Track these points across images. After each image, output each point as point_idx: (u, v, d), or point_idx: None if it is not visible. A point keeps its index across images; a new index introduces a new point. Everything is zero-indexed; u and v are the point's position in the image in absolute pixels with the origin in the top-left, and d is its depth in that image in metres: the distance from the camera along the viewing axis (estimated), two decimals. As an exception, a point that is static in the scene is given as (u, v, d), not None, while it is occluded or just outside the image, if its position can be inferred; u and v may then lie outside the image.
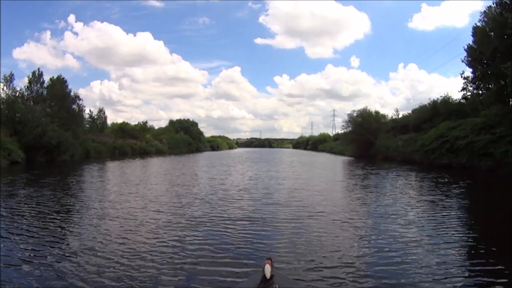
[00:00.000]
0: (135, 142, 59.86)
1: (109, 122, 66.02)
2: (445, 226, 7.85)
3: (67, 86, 41.96)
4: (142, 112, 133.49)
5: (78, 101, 41.92)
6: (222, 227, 7.74)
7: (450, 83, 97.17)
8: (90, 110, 62.73)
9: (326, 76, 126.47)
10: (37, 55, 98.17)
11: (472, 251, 6.25)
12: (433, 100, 35.86)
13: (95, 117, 62.38)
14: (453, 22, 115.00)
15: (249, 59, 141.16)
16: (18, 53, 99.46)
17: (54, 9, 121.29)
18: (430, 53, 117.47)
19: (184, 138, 75.54)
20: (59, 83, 41.04)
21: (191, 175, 20.68)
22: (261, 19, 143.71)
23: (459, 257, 5.87)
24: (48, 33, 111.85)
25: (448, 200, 11.46)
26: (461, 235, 7.24)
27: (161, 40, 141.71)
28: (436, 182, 16.70)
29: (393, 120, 45.75)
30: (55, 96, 39.35)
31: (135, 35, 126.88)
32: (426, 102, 37.54)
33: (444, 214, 9.25)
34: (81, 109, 42.66)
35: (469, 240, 6.94)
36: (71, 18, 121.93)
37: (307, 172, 24.10)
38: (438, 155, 25.88)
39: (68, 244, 6.38)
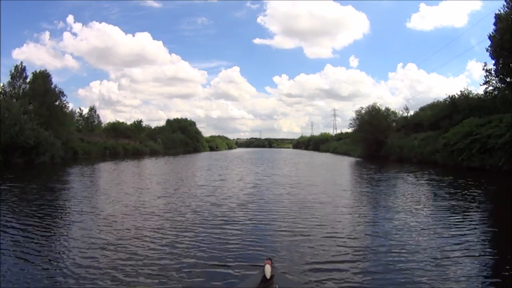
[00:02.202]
0: (128, 142, 56.46)
1: (109, 122, 63.14)
2: None
3: (50, 81, 38.53)
4: (142, 112, 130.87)
5: (61, 98, 38.36)
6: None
7: (450, 83, 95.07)
8: (80, 109, 59.50)
9: (325, 76, 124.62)
10: (37, 56, 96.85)
11: None
12: (451, 95, 32.54)
13: (86, 115, 59.18)
14: (452, 22, 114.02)
15: (248, 59, 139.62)
16: (18, 53, 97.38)
17: (53, 10, 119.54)
18: (429, 53, 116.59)
19: (180, 138, 72.08)
20: (41, 78, 37.56)
21: (177, 180, 17.19)
22: (260, 19, 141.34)
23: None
24: (47, 33, 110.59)
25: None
26: None
27: (160, 40, 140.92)
28: (485, 191, 13.42)
29: (404, 118, 42.43)
30: (36, 92, 35.88)
31: (134, 35, 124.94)
32: (425, 101, 34.81)
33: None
34: (64, 106, 39.05)
35: None
36: (70, 18, 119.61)
37: (319, 176, 20.62)
38: (467, 157, 22.47)
39: None
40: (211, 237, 6.69)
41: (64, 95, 38.92)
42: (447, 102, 32.56)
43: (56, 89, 38.48)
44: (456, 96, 31.96)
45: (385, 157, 36.09)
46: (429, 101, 36.88)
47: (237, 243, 6.30)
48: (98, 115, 60.88)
